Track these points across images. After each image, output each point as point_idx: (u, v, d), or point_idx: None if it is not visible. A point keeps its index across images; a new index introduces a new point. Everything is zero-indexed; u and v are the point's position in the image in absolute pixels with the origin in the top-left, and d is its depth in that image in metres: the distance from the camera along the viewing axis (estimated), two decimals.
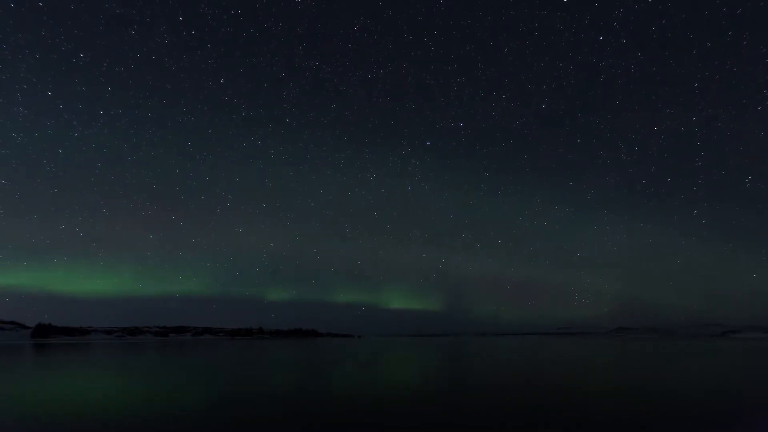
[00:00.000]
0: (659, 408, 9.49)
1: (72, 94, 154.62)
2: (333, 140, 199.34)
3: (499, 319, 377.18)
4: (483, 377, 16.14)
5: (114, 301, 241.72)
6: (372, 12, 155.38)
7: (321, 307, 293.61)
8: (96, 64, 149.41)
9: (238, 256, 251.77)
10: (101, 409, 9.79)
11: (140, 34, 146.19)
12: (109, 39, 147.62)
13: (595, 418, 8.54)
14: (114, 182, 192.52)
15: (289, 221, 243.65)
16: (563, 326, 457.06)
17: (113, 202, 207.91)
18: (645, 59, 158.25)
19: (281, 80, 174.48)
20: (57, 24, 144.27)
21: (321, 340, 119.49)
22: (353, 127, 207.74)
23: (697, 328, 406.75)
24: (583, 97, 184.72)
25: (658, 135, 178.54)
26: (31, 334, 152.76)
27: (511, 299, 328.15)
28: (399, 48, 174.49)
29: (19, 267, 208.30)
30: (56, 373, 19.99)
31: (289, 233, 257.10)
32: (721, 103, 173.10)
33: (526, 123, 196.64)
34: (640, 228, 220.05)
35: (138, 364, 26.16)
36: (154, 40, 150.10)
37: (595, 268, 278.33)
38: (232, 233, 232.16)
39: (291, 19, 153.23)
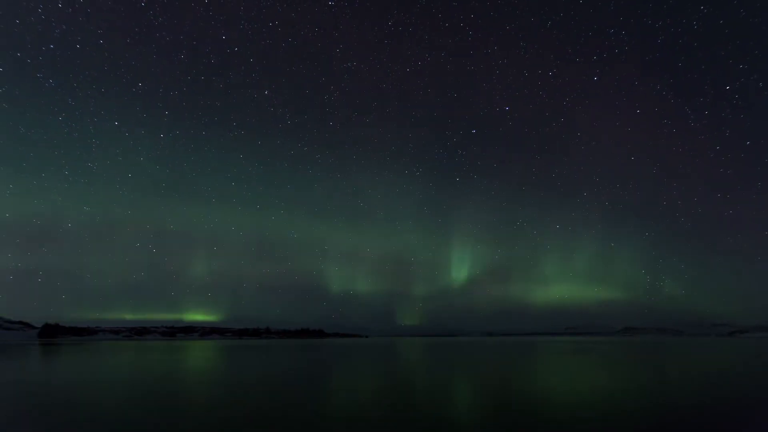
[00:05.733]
0: None
1: (135, 121, 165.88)
2: (377, 138, 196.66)
3: (507, 319, 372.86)
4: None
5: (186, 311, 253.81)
6: (405, 4, 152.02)
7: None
8: (152, 91, 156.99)
9: (295, 261, 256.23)
10: None
11: (189, 58, 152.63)
12: (161, 66, 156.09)
13: None
14: (178, 200, 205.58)
15: (341, 223, 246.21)
16: (571, 326, 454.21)
17: (179, 221, 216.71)
18: (709, 12, 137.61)
19: (321, 85, 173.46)
20: (116, 57, 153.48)
21: (344, 341, 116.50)
22: (396, 123, 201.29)
23: (705, 328, 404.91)
24: (640, 62, 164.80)
25: (731, 94, 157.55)
26: (38, 334, 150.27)
27: (522, 297, 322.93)
28: (435, 38, 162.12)
29: (106, 286, 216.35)
30: None
31: (343, 235, 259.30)
32: None
33: (577, 99, 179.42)
34: (718, 199, 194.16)
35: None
36: (202, 62, 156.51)
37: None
38: (287, 239, 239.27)
39: (326, 23, 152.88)
